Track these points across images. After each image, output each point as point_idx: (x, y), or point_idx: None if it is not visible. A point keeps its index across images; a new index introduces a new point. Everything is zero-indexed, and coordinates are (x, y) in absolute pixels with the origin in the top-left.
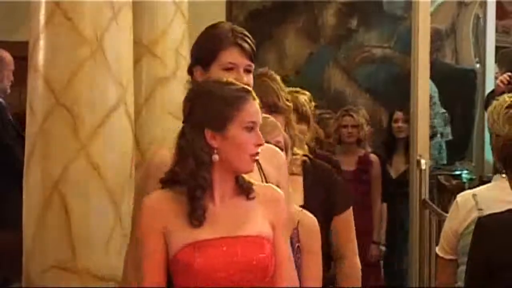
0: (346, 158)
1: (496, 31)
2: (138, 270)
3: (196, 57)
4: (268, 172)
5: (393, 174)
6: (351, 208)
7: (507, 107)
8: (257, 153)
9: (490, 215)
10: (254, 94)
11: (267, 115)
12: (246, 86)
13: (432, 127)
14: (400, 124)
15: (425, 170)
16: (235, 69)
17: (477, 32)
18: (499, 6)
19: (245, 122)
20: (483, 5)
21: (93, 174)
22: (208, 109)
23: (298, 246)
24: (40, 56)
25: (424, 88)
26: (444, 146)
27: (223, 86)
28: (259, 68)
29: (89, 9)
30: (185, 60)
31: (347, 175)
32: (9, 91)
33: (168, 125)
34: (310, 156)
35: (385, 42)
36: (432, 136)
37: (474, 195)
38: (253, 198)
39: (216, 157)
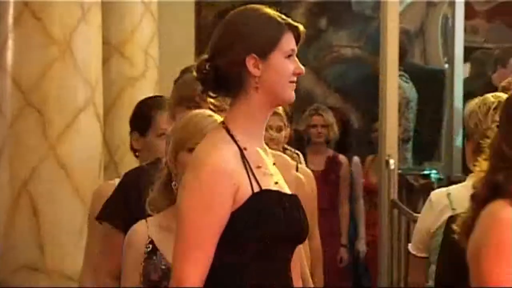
0: (314, 158)
1: (465, 31)
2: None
3: (250, 46)
4: None
5: None
6: None
7: (495, 108)
8: None
9: (459, 214)
10: None
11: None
12: None
13: (407, 130)
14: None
15: (393, 170)
16: (292, 56)
17: (446, 32)
18: (468, 6)
19: None
20: (452, 5)
21: (61, 175)
22: None
23: None
24: (8, 56)
25: (393, 88)
26: (411, 147)
27: None
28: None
29: (57, 9)
30: (154, 60)
31: (315, 176)
32: None
33: None
34: None
35: (354, 42)
36: (407, 140)
37: (448, 194)
38: None
39: None
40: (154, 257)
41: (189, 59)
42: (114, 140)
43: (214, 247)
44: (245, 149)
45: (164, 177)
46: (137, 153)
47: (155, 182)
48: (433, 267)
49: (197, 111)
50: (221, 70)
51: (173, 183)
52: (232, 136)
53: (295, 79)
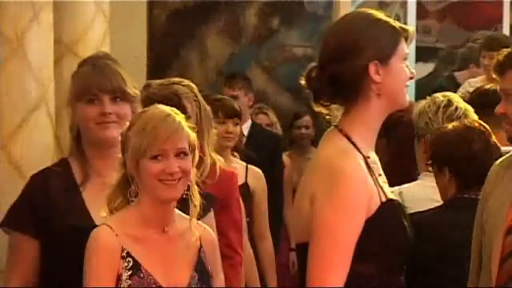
0: None
1: (417, 31)
2: None
3: (372, 52)
4: None
5: None
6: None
7: (445, 106)
8: None
9: (412, 214)
10: None
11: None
12: None
13: None
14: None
15: None
16: (406, 59)
17: None
18: (420, 6)
19: None
20: (404, 5)
21: (13, 174)
22: None
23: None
24: None
25: None
26: None
27: None
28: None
29: (9, 9)
30: None
31: None
32: None
33: None
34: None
35: (306, 42)
36: None
37: (400, 193)
38: None
39: None
40: (141, 274)
41: (142, 59)
42: (67, 139)
43: (352, 255)
44: (368, 157)
45: (121, 179)
46: None
47: (114, 184)
48: None
49: (153, 109)
50: (339, 77)
51: (132, 188)
52: (353, 144)
53: (408, 83)
